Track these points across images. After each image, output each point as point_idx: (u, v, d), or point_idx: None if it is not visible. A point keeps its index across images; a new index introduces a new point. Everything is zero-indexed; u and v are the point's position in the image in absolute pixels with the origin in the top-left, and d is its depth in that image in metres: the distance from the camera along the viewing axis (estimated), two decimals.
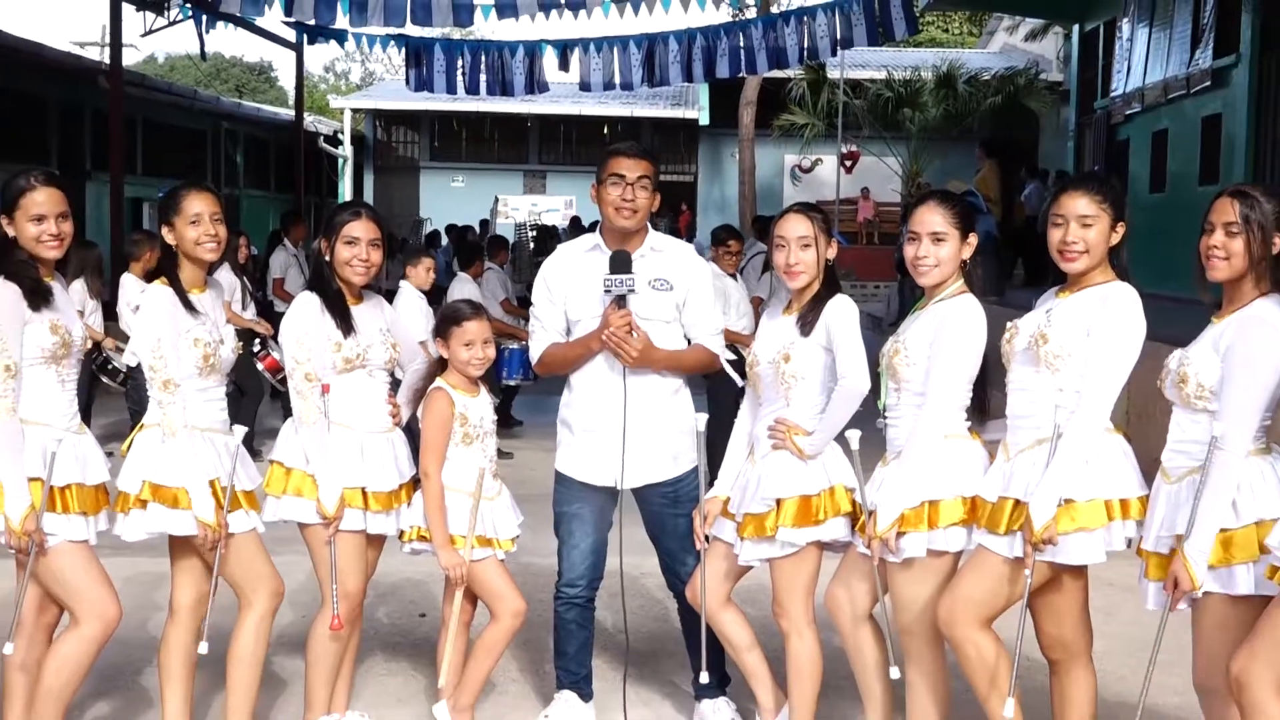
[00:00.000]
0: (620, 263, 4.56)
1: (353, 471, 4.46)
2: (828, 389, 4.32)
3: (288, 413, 4.80)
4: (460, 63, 19.25)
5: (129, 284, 9.69)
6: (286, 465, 4.47)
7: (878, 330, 5.33)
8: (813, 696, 4.47)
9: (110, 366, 9.95)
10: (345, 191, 33.90)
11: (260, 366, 10.00)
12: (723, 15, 20.36)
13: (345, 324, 4.48)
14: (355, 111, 34.96)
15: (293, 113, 26.93)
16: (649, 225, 4.77)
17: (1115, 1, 18.66)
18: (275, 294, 12.83)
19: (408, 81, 19.78)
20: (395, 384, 4.76)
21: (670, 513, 4.75)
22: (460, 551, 4.56)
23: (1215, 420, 3.55)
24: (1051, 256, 3.95)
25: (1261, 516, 3.50)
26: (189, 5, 18.65)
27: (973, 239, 4.19)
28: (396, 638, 5.89)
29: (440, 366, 4.76)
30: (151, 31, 19.65)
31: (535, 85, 19.32)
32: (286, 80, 50.85)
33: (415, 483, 4.66)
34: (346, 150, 34.12)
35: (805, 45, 17.73)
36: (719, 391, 5.11)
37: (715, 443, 4.66)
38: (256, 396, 10.07)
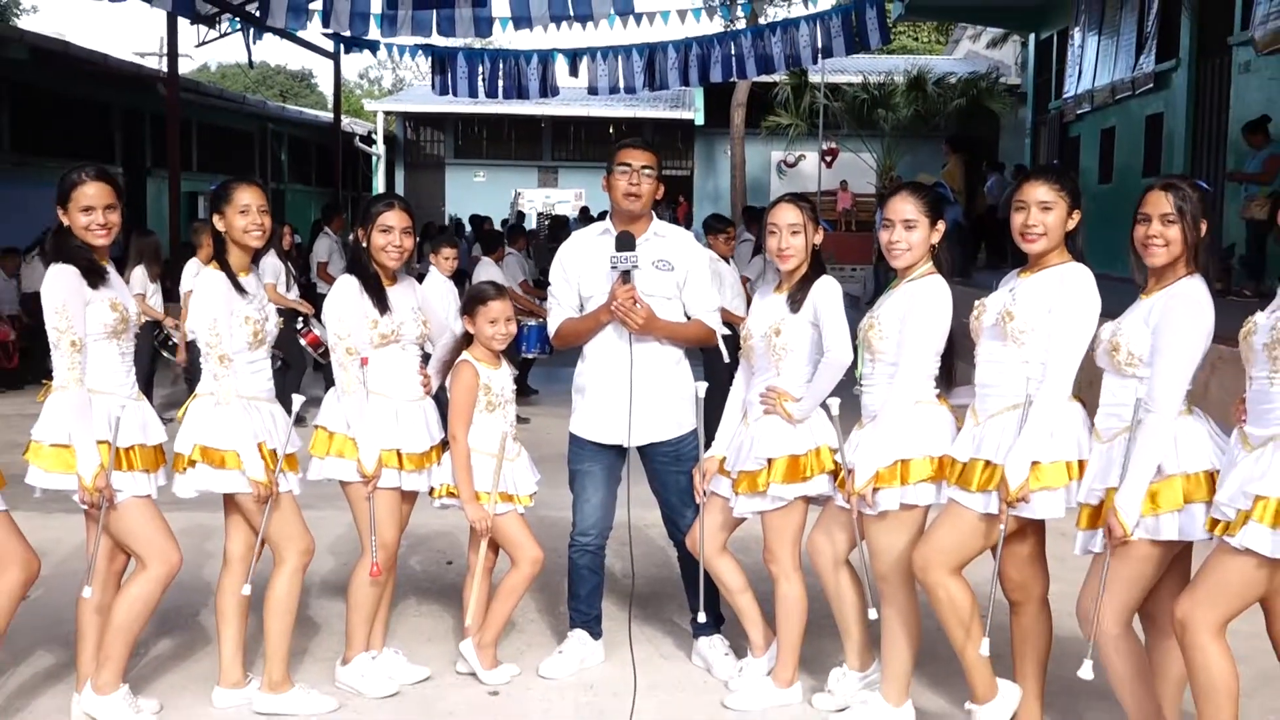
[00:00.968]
0: (625, 242, 4.58)
1: (389, 435, 4.46)
2: (814, 360, 4.32)
3: (329, 384, 4.81)
4: (481, 70, 19.23)
5: (190, 269, 9.69)
6: (330, 430, 4.48)
7: (855, 308, 5.32)
8: (799, 634, 4.48)
9: (170, 343, 9.98)
10: (378, 185, 33.86)
11: (303, 342, 10.03)
12: (716, 26, 20.39)
13: (381, 303, 4.48)
14: (387, 114, 34.91)
15: (331, 115, 26.84)
16: (653, 214, 4.77)
17: (1067, 12, 18.61)
18: (319, 276, 12.86)
19: (434, 87, 19.77)
20: (426, 357, 4.76)
21: (672, 470, 4.76)
22: (484, 506, 4.58)
23: (1147, 386, 3.54)
24: (1014, 239, 3.94)
25: (1186, 470, 3.50)
26: (238, 19, 18.61)
27: (941, 226, 4.18)
28: (427, 583, 5.90)
29: (466, 341, 4.76)
30: (205, 43, 19.58)
31: (548, 89, 19.31)
32: (325, 86, 50.76)
33: (444, 445, 4.66)
34: (379, 149, 34.08)
35: (789, 53, 17.74)
36: (715, 364, 5.11)
37: (712, 408, 4.66)
38: (299, 369, 10.07)
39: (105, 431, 4.02)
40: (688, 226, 24.73)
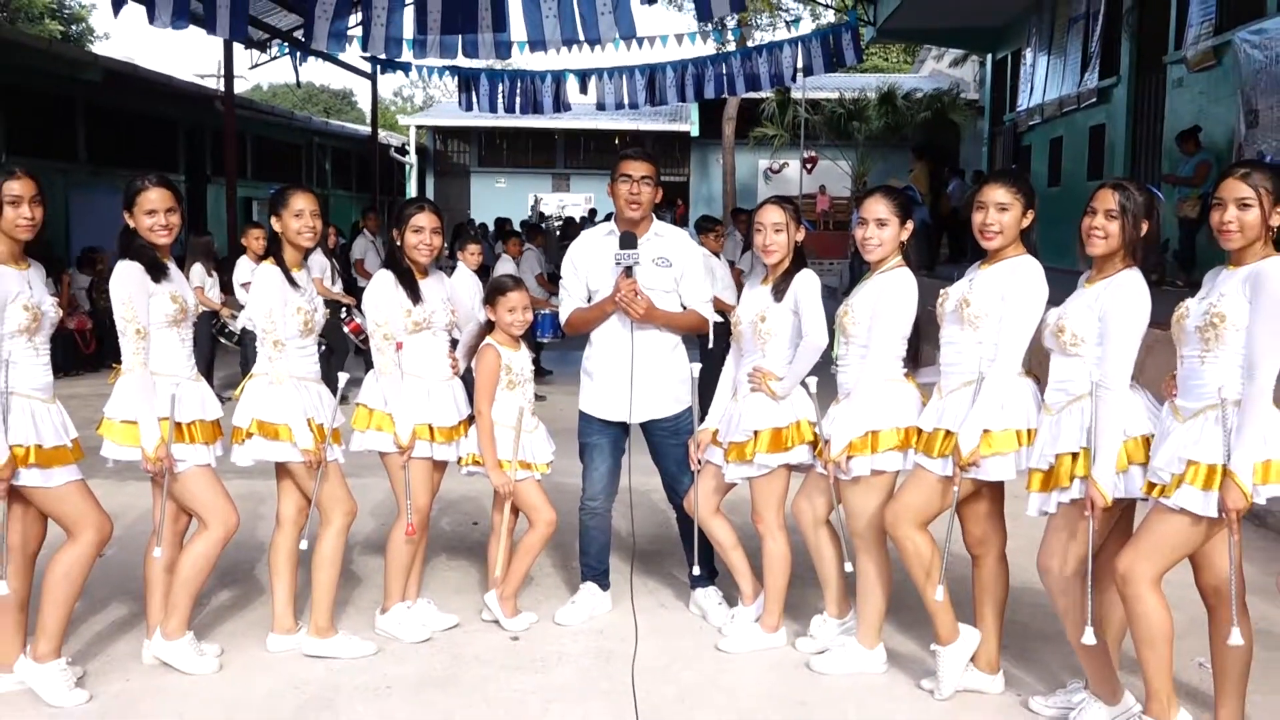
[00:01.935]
0: (628, 241, 4.57)
1: (421, 411, 4.46)
2: (795, 344, 4.31)
3: (369, 366, 4.80)
4: (501, 88, 19.22)
5: (242, 265, 9.72)
6: (370, 407, 4.47)
7: (832, 297, 5.29)
8: (783, 585, 4.49)
9: (227, 330, 10.00)
10: (411, 191, 33.77)
11: (346, 330, 10.04)
12: (709, 48, 20.27)
13: (414, 294, 4.47)
14: (419, 127, 34.83)
15: (369, 129, 26.80)
16: (654, 215, 4.75)
17: (1020, 35, 18.53)
18: (356, 272, 12.82)
19: (460, 103, 19.77)
20: (454, 342, 4.74)
21: (670, 442, 4.74)
22: (506, 472, 4.57)
23: (1099, 368, 3.52)
24: (974, 236, 3.92)
25: (1129, 434, 3.49)
26: (286, 44, 18.57)
27: (910, 225, 4.17)
28: (455, 541, 5.91)
29: (488, 328, 4.75)
30: (257, 65, 19.59)
31: (561, 105, 19.30)
32: (364, 103, 50.52)
33: (471, 420, 4.65)
34: (412, 158, 34.00)
35: (774, 72, 17.74)
36: (708, 348, 5.11)
37: (705, 387, 4.65)
38: (343, 354, 10.08)
39: (168, 408, 4.01)
40: (685, 227, 24.74)
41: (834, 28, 18.30)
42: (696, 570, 4.66)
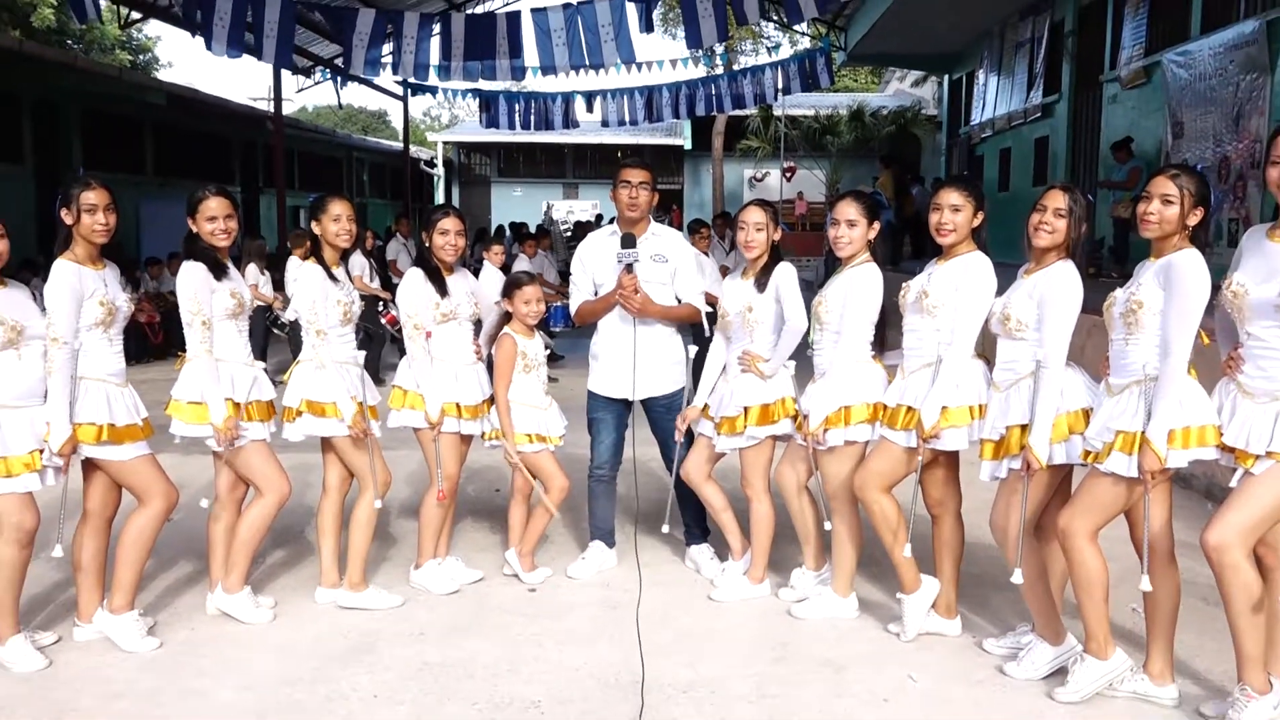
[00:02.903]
0: (628, 241, 4.55)
1: (449, 391, 4.44)
2: (777, 329, 4.29)
3: (402, 353, 4.79)
4: (517, 107, 19.18)
5: (292, 265, 9.71)
6: (404, 388, 4.46)
7: (809, 290, 5.27)
8: (768, 542, 4.49)
9: (279, 322, 10.00)
10: (439, 199, 33.74)
11: (383, 321, 10.04)
12: (699, 71, 20.21)
13: (441, 289, 4.45)
14: (445, 143, 34.77)
15: (401, 144, 26.73)
16: (651, 218, 4.73)
17: (974, 58, 18.46)
18: (390, 271, 12.80)
19: (481, 121, 19.72)
20: (477, 331, 4.73)
21: (666, 418, 4.73)
22: (523, 445, 4.57)
23: (1039, 349, 3.51)
24: (931, 234, 3.91)
25: (1069, 408, 3.49)
26: (328, 70, 18.51)
27: (877, 225, 4.15)
28: (480, 506, 5.90)
29: (507, 318, 4.74)
30: (302, 89, 19.53)
31: (570, 122, 19.27)
32: (396, 122, 50.41)
33: (493, 399, 4.64)
34: (439, 170, 33.96)
35: (757, 91, 17.76)
36: (700, 335, 5.09)
37: (698, 370, 4.64)
38: (380, 342, 10.07)
39: (229, 390, 4.01)
40: (680, 228, 24.74)
41: (809, 53, 18.27)
42: (665, 528, 4.66)
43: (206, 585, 4.36)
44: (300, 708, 3.43)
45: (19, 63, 13.78)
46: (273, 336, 10.31)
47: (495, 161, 35.59)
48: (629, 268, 4.53)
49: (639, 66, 15.69)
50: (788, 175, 27.16)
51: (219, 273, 4.04)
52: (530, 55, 12.92)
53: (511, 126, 19.41)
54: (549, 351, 4.98)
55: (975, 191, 3.85)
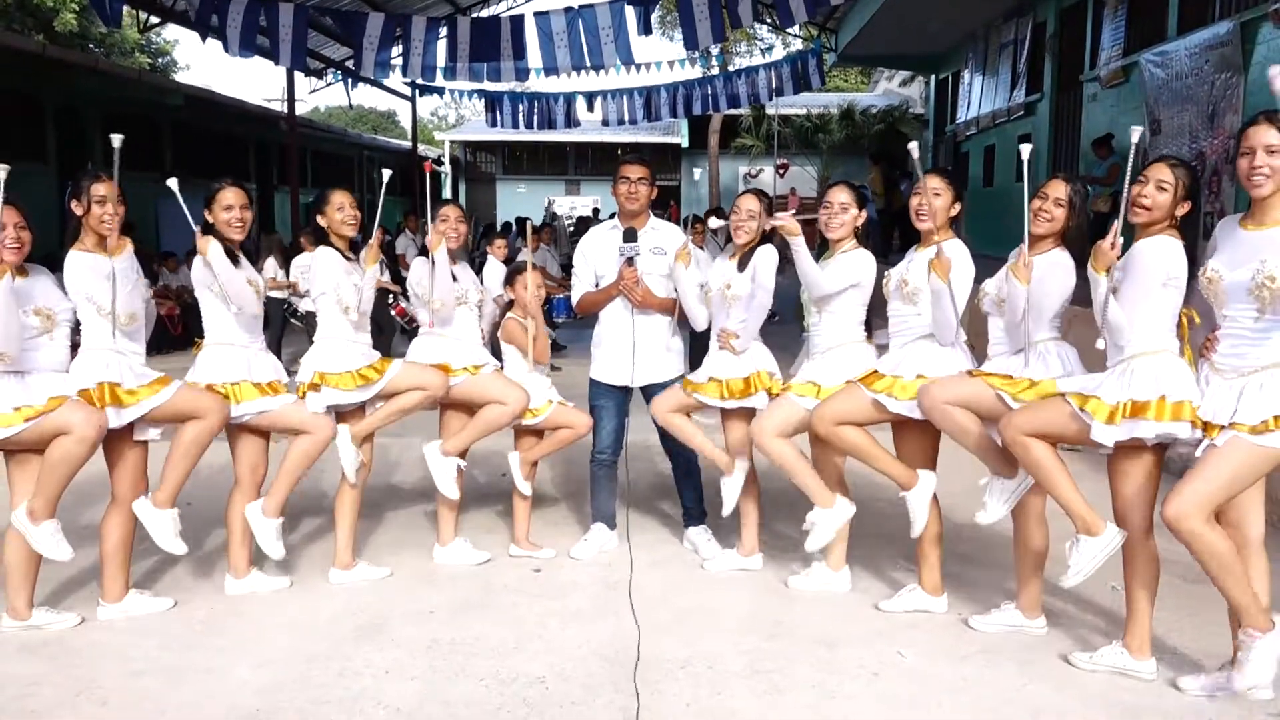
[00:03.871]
0: (629, 235, 4.55)
1: (455, 358, 4.44)
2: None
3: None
4: (521, 107, 19.12)
5: (301, 258, 9.73)
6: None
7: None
8: (756, 515, 4.54)
9: (297, 313, 10.01)
10: (446, 196, 33.64)
11: (392, 313, 10.03)
12: (696, 72, 20.17)
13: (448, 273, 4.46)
14: (452, 142, 34.66)
15: (410, 143, 26.67)
16: (650, 213, 4.71)
17: (959, 59, 18.40)
18: (399, 265, 12.79)
19: (487, 121, 19.67)
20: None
21: None
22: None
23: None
24: (911, 218, 3.94)
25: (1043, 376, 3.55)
26: (339, 72, 18.45)
27: (863, 213, 4.18)
28: (487, 490, 5.89)
29: (509, 306, 4.77)
30: (315, 90, 19.54)
31: (571, 122, 19.22)
32: (405, 122, 50.38)
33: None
34: (447, 168, 33.81)
35: (752, 92, 17.71)
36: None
37: (695, 356, 4.64)
38: (390, 333, 10.07)
39: (246, 374, 4.04)
40: (678, 223, 24.72)
41: (801, 54, 18.20)
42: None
43: (225, 567, 4.35)
44: (315, 683, 3.43)
45: (43, 66, 13.73)
46: (290, 327, 10.30)
47: (500, 159, 35.49)
48: (630, 261, 4.52)
49: (638, 67, 15.63)
50: (781, 172, 27.12)
51: (234, 260, 4.02)
52: (533, 57, 12.88)
53: (515, 126, 19.36)
54: (551, 340, 4.98)
55: (954, 181, 3.91)
